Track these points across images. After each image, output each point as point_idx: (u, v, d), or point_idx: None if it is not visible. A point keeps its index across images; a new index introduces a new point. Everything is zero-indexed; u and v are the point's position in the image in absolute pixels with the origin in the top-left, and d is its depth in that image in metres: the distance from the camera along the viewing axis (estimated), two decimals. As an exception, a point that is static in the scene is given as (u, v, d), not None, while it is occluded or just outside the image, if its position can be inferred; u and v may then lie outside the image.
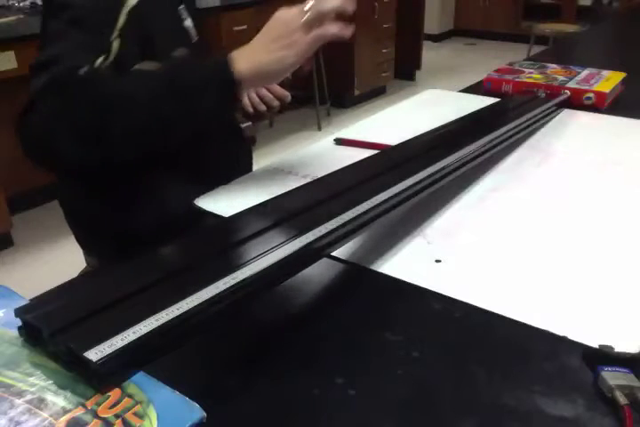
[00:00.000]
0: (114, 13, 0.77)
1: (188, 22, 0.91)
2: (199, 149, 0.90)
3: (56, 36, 0.76)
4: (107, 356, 0.40)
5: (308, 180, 0.86)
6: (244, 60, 0.70)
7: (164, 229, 0.55)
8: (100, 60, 0.74)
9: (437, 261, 0.67)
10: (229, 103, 0.75)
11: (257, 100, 0.99)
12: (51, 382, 0.41)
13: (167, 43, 0.84)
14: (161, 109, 0.69)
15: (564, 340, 0.55)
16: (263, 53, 0.70)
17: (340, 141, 1.03)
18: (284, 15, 0.71)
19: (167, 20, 0.86)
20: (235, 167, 0.98)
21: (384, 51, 3.99)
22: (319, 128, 3.56)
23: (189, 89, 0.69)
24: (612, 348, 0.52)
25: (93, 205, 0.94)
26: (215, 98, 0.70)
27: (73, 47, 0.74)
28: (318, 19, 0.70)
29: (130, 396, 0.40)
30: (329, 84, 3.62)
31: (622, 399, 0.46)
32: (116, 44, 0.76)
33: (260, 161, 1.02)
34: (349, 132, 1.09)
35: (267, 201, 0.66)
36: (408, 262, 0.67)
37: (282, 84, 0.94)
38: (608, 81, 1.24)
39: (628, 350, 0.51)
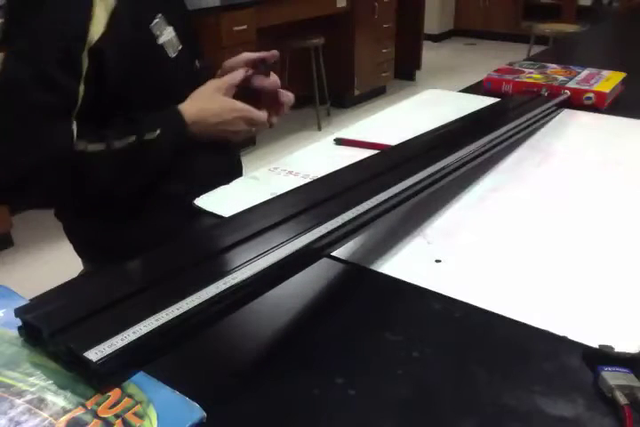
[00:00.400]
0: (76, 58, 0.75)
1: (166, 36, 0.87)
2: (186, 161, 0.91)
3: (21, 90, 0.74)
4: (107, 356, 0.40)
5: (308, 180, 0.86)
6: (197, 131, 0.86)
7: (162, 240, 0.56)
8: (74, 125, 0.76)
9: (437, 261, 0.67)
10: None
11: None
12: (51, 382, 0.41)
13: (135, 73, 0.83)
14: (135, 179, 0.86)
15: (564, 340, 0.55)
16: (212, 131, 0.87)
17: (340, 141, 1.03)
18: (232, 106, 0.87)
19: (135, 45, 0.82)
20: (225, 174, 0.98)
21: (384, 51, 3.99)
22: (319, 128, 3.56)
23: (155, 165, 0.86)
24: (612, 348, 0.51)
25: (89, 221, 0.96)
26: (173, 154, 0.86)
27: (39, 114, 0.74)
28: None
29: (130, 396, 0.40)
30: (329, 84, 3.61)
31: (622, 399, 0.46)
32: (81, 91, 0.77)
33: (260, 161, 1.02)
34: (349, 132, 1.09)
35: (267, 201, 0.66)
36: (408, 262, 0.67)
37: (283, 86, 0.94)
38: (608, 81, 1.24)
39: (627, 350, 0.51)
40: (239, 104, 0.88)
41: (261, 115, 0.90)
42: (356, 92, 3.87)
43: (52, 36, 0.75)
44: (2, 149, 0.73)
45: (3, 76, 0.74)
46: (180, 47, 0.89)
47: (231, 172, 1.00)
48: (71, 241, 1.00)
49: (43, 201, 0.85)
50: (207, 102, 0.87)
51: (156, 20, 0.86)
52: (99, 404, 0.39)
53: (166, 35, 0.87)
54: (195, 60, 0.98)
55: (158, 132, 0.81)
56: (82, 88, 0.77)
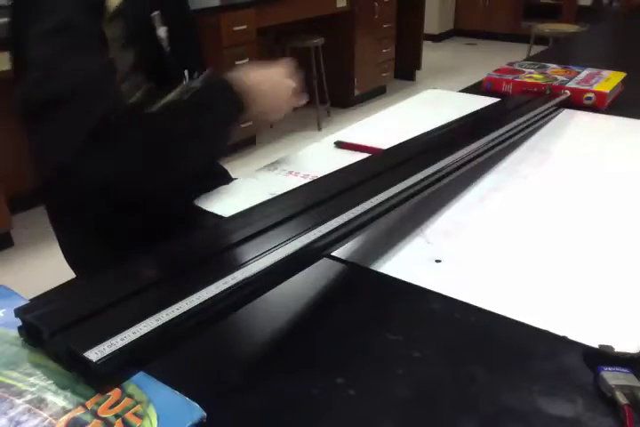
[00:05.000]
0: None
1: (161, 32, 0.85)
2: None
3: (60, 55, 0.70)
4: (107, 356, 0.40)
5: (308, 180, 0.86)
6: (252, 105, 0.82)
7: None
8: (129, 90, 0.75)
9: (437, 261, 0.67)
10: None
11: None
12: (51, 382, 0.41)
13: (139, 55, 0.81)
14: (192, 146, 0.76)
15: (563, 340, 0.55)
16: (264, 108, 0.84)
17: (340, 145, 1.03)
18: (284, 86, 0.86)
19: (142, 28, 0.82)
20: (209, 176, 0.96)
21: (384, 51, 3.99)
22: (319, 128, 3.55)
23: (213, 128, 0.79)
24: (612, 348, 0.52)
25: (88, 241, 0.97)
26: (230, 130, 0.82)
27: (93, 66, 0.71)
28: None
29: (130, 396, 0.40)
30: (329, 83, 3.61)
31: (622, 399, 0.46)
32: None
33: (260, 161, 1.02)
34: (349, 132, 1.09)
35: (267, 201, 0.66)
36: (408, 262, 0.67)
37: None
38: (608, 81, 1.24)
39: (627, 350, 0.51)
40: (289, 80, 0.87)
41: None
42: (356, 92, 3.87)
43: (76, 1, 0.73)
44: (74, 105, 0.67)
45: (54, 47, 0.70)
46: (169, 49, 0.86)
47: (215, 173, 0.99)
48: (65, 257, 1.00)
49: (107, 168, 0.68)
50: (261, 70, 0.85)
51: (156, 12, 0.84)
52: (99, 404, 0.39)
53: (161, 32, 0.85)
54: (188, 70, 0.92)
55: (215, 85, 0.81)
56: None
